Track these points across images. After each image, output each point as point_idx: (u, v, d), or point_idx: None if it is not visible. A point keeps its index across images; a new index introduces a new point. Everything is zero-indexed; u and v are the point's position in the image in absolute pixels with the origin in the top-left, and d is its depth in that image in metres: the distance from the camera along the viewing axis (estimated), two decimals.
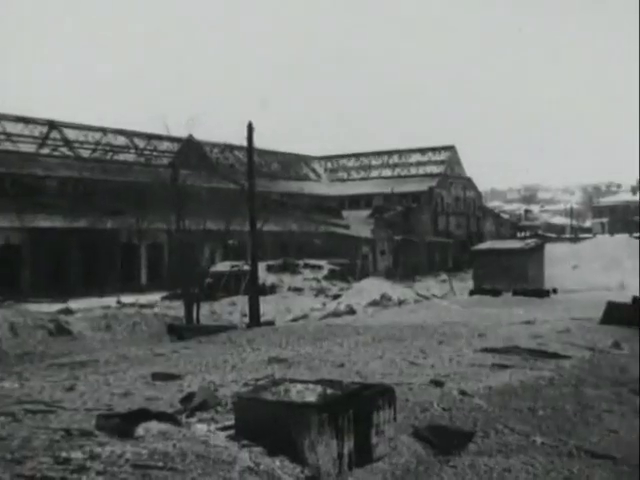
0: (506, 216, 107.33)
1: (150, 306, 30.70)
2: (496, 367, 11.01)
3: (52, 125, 53.20)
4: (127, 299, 33.56)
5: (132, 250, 45.42)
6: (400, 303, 32.06)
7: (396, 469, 6.55)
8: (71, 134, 54.55)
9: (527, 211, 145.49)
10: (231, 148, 48.85)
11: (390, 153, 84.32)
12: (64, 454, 6.06)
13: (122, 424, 6.76)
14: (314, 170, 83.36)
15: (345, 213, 69.29)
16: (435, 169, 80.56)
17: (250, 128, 26.18)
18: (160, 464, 5.80)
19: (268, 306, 28.99)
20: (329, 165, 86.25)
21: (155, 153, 58.15)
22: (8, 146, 50.32)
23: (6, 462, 5.89)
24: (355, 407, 6.48)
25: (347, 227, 62.80)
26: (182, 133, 44.15)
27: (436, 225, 74.72)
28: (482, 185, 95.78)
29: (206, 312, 28.39)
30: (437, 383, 9.46)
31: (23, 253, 39.92)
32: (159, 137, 53.76)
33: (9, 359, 17.15)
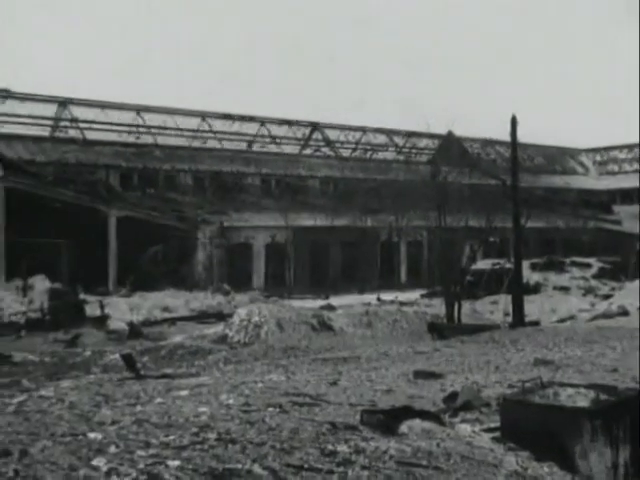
0: None
1: (410, 304, 30.83)
2: None
3: (314, 126, 55.20)
4: (386, 296, 33.96)
5: (391, 248, 45.96)
6: None
7: None
8: (332, 134, 56.26)
9: None
10: (492, 143, 47.92)
11: None
12: (330, 447, 6.15)
13: (386, 420, 6.75)
14: (581, 163, 79.67)
15: (616, 208, 65.70)
16: None
17: (514, 122, 25.46)
18: (424, 462, 5.75)
19: (532, 306, 28.01)
20: (597, 158, 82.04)
21: (414, 150, 58.50)
22: (273, 148, 52.95)
23: (276, 451, 6.05)
24: (631, 414, 6.00)
25: (618, 223, 59.56)
26: (442, 129, 43.84)
27: None
28: None
29: (467, 311, 28.03)
30: None
31: (287, 251, 41.66)
32: (418, 134, 53.96)
33: (275, 353, 17.86)
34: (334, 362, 13.50)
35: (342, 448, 6.09)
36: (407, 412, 6.97)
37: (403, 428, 6.60)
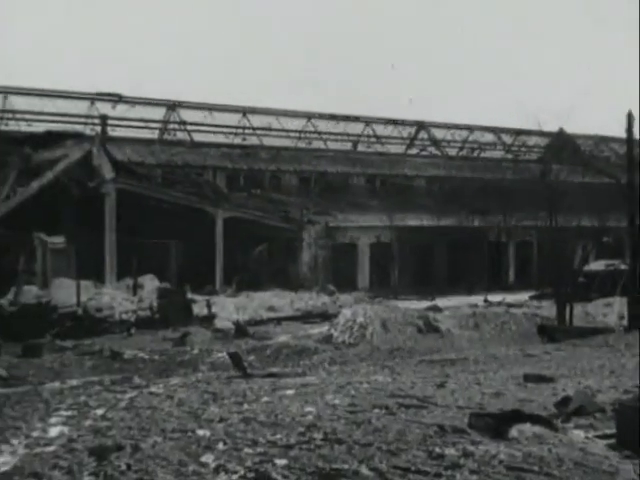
0: None
1: (518, 305, 30.21)
2: None
3: (420, 126, 54.79)
4: (494, 298, 33.40)
5: (499, 248, 45.14)
6: None
7: None
8: (439, 133, 55.72)
9: None
10: (606, 140, 46.41)
11: None
12: (438, 450, 6.09)
13: (495, 424, 6.62)
14: None
15: None
16: None
17: (630, 118, 24.66)
18: (535, 468, 5.63)
19: None
20: None
21: (523, 149, 57.28)
22: (378, 148, 52.80)
23: (382, 452, 6.01)
24: None
25: None
26: (552, 127, 42.67)
27: None
28: None
29: (579, 313, 27.29)
30: None
31: (392, 251, 41.45)
32: (528, 132, 52.79)
33: (380, 354, 17.79)
34: (441, 364, 13.35)
35: (450, 451, 6.02)
36: (517, 416, 6.83)
37: (513, 432, 6.49)
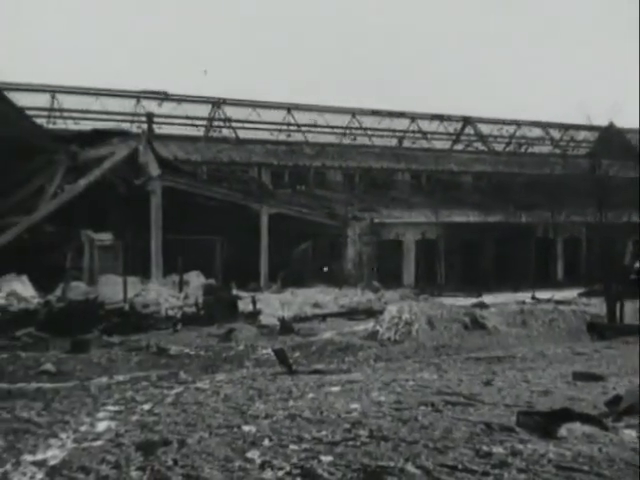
0: None
1: (567, 302, 29.77)
2: None
3: (467, 121, 54.38)
4: (542, 295, 32.97)
5: (547, 244, 44.63)
6: None
7: None
8: (485, 129, 55.22)
9: None
10: None
11: None
12: (485, 448, 6.03)
13: (544, 423, 6.53)
14: None
15: None
16: None
17: None
18: (585, 468, 5.51)
19: None
20: None
21: (572, 144, 56.49)
22: (423, 144, 52.55)
23: (429, 450, 5.97)
24: None
25: None
26: (602, 121, 42.05)
27: None
28: None
29: (630, 311, 26.80)
30: None
31: (438, 247, 41.23)
32: (576, 127, 52.03)
33: (426, 351, 17.67)
34: (488, 361, 13.21)
35: (497, 450, 5.95)
36: (566, 415, 6.72)
37: (562, 431, 6.39)
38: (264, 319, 25.03)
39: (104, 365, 15.41)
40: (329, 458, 5.73)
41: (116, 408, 8.46)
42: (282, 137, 47.49)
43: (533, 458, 5.67)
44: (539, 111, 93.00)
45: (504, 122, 55.22)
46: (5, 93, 36.75)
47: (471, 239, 41.77)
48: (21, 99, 38.37)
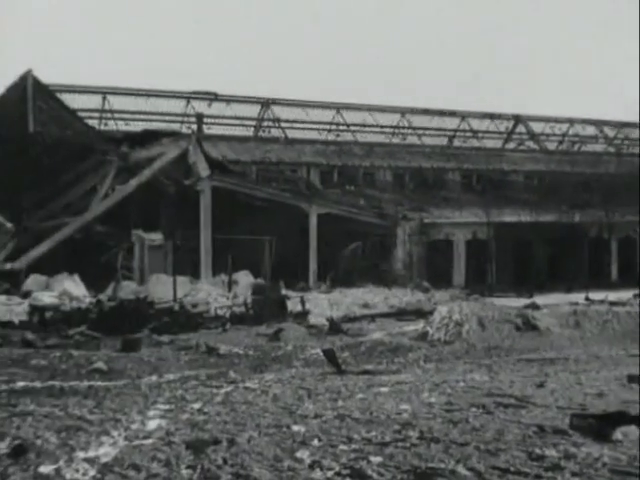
0: None
1: (621, 304, 29.24)
2: None
3: (518, 119, 53.77)
4: (595, 296, 32.46)
5: (601, 245, 43.90)
6: None
7: None
8: (537, 127, 54.56)
9: None
10: None
11: None
12: (537, 451, 5.94)
13: (598, 425, 6.41)
14: None
15: None
16: None
17: None
18: None
19: None
20: None
21: (627, 142, 55.53)
22: (474, 143, 52.10)
23: (480, 452, 5.90)
24: None
25: None
26: None
27: None
28: None
29: None
30: None
31: (489, 247, 40.85)
32: (632, 124, 51.14)
33: (477, 352, 17.49)
34: (540, 363, 13.03)
35: (550, 452, 5.86)
36: (621, 418, 6.57)
37: (617, 434, 6.24)
38: (313, 319, 25.03)
39: (154, 364, 15.52)
40: (379, 459, 5.70)
41: (166, 407, 8.52)
42: (331, 137, 47.50)
43: (587, 462, 5.57)
44: (592, 109, 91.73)
45: (556, 120, 54.48)
46: (59, 95, 37.47)
47: (522, 239, 41.27)
48: (74, 101, 39.10)
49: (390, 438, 6.38)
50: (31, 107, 34.53)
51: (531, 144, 53.93)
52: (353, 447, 6.10)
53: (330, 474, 5.39)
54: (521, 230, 40.66)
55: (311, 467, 5.57)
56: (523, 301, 29.14)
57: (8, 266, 31.00)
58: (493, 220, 40.21)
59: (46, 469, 5.76)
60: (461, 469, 5.45)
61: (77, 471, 5.70)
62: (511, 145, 53.55)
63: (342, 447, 6.10)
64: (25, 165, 33.62)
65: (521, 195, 45.69)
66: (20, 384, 11.61)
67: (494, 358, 15.38)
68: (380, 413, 7.54)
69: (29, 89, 34.66)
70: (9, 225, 32.96)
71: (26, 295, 28.33)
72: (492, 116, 52.63)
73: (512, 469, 5.46)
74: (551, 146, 54.44)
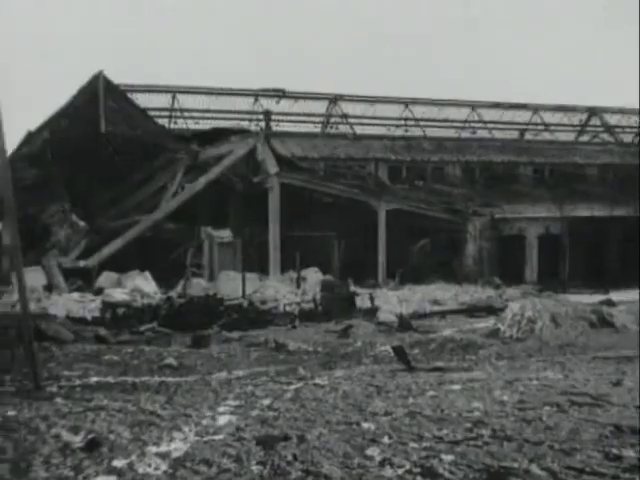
0: None
1: None
2: None
3: (592, 112, 52.64)
4: None
5: None
6: None
7: None
8: (612, 119, 53.31)
9: None
10: None
11: None
12: (614, 451, 5.78)
13: None
14: None
15: None
16: None
17: None
18: None
19: None
20: None
21: None
22: (546, 136, 51.17)
23: (554, 452, 5.78)
24: None
25: None
26: None
27: None
28: None
29: None
30: None
31: (562, 242, 40.11)
32: None
33: (550, 349, 17.15)
34: (616, 361, 12.68)
35: (628, 453, 5.70)
36: None
37: None
38: (382, 316, 24.90)
39: (224, 360, 15.64)
40: (450, 457, 5.62)
41: (236, 403, 8.55)
42: (400, 132, 47.22)
43: None
44: None
45: (633, 112, 53.10)
46: (129, 95, 38.13)
47: (597, 234, 40.39)
48: (144, 100, 39.73)
49: (462, 436, 6.30)
50: (102, 107, 35.20)
51: (606, 137, 52.71)
52: (424, 445, 6.03)
53: (401, 472, 5.34)
54: (595, 224, 39.81)
55: (381, 464, 5.52)
56: (598, 297, 28.54)
57: (81, 264, 31.71)
58: (566, 215, 39.47)
59: (119, 463, 5.84)
60: (535, 469, 5.35)
61: (149, 466, 5.77)
62: (585, 138, 52.43)
63: (413, 445, 6.05)
64: (97, 165, 34.33)
65: (595, 189, 44.71)
66: (93, 379, 11.82)
67: (568, 355, 15.06)
68: (451, 411, 7.44)
69: (100, 89, 35.34)
70: (82, 224, 33.70)
71: (99, 292, 28.96)
72: (565, 109, 51.61)
73: (588, 469, 5.35)
74: (627, 138, 53.12)
